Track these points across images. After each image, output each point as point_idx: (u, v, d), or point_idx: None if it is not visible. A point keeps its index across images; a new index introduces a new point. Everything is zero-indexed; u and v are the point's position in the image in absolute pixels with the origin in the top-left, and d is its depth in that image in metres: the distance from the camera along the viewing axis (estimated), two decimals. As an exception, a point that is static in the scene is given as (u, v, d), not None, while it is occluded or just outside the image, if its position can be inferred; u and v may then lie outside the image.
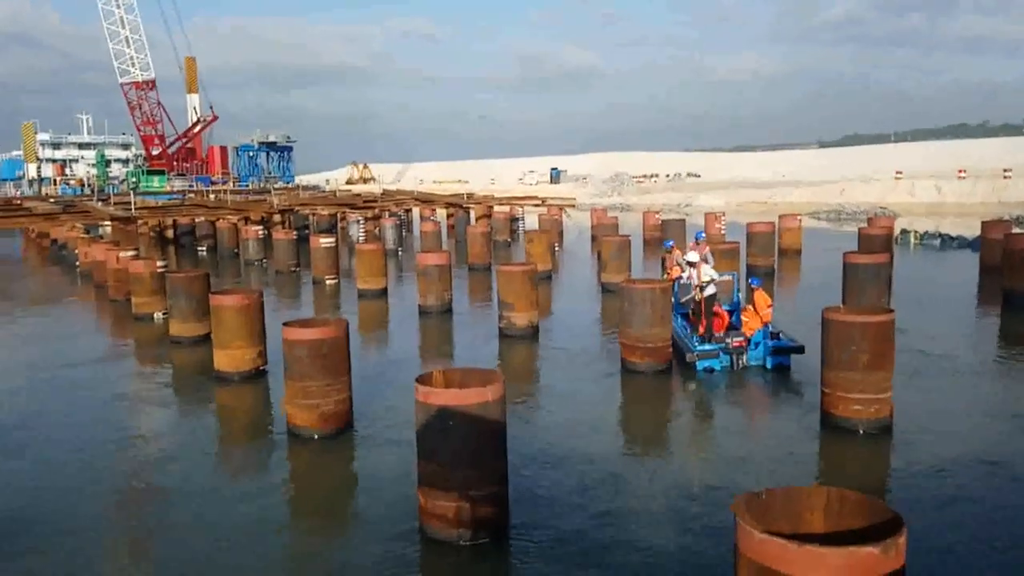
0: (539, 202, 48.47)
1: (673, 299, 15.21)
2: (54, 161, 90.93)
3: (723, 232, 31.45)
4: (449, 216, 46.25)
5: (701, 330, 13.75)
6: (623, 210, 58.21)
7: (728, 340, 13.24)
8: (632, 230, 31.98)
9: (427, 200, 50.46)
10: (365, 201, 48.59)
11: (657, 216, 36.61)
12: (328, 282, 24.87)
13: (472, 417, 7.18)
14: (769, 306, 13.65)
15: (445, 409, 7.18)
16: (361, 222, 41.27)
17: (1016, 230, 24.65)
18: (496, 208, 45.22)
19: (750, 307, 13.77)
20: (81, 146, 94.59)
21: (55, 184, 79.94)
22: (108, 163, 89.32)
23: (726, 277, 16.13)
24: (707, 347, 13.26)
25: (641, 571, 6.89)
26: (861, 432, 9.86)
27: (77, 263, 30.05)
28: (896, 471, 9.07)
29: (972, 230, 31.64)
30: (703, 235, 17.50)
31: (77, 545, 7.66)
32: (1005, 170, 59.84)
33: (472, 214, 44.89)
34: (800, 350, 13.04)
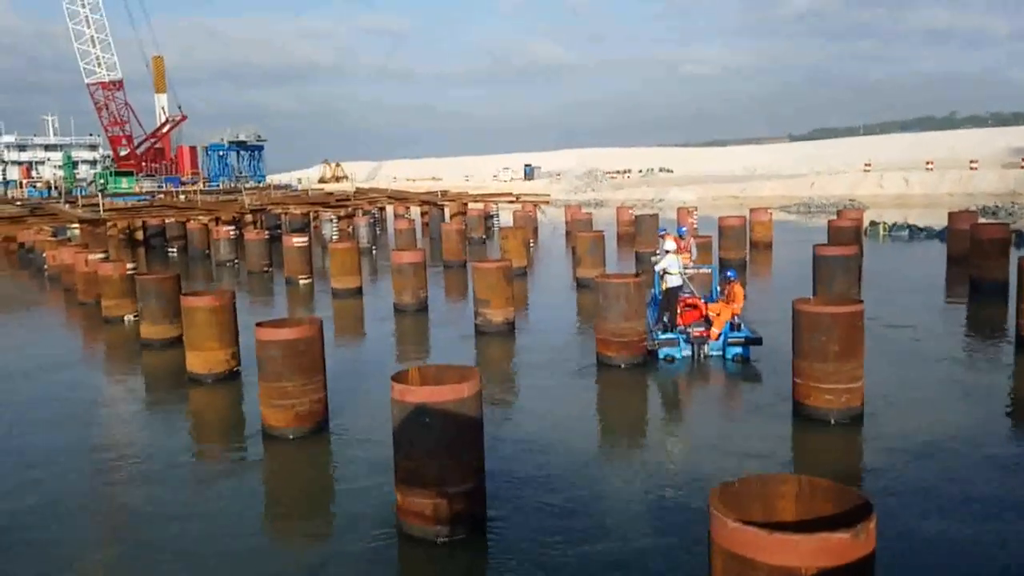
0: (513, 199, 48.39)
1: (653, 290, 15.37)
2: (19, 163, 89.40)
3: (696, 226, 31.70)
4: (423, 214, 46.07)
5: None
6: (597, 206, 58.40)
7: (689, 330, 13.38)
8: (606, 225, 32.07)
9: (401, 198, 50.20)
10: (338, 200, 48.20)
11: (631, 211, 36.78)
12: (302, 282, 24.70)
13: (449, 414, 7.18)
14: (744, 298, 13.87)
15: (422, 406, 7.18)
16: (334, 221, 40.99)
17: (982, 220, 25.09)
18: (470, 205, 45.11)
19: (722, 299, 13.93)
20: (47, 147, 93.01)
21: (21, 187, 78.35)
22: (75, 164, 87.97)
23: (705, 270, 16.29)
24: (667, 336, 13.48)
25: (619, 563, 6.94)
26: (832, 422, 10.00)
27: (45, 267, 29.55)
28: (867, 459, 9.22)
29: (940, 221, 32.14)
30: (685, 230, 17.72)
31: (51, 550, 7.55)
32: (971, 162, 60.88)
33: (446, 211, 44.75)
34: (758, 341, 13.24)
